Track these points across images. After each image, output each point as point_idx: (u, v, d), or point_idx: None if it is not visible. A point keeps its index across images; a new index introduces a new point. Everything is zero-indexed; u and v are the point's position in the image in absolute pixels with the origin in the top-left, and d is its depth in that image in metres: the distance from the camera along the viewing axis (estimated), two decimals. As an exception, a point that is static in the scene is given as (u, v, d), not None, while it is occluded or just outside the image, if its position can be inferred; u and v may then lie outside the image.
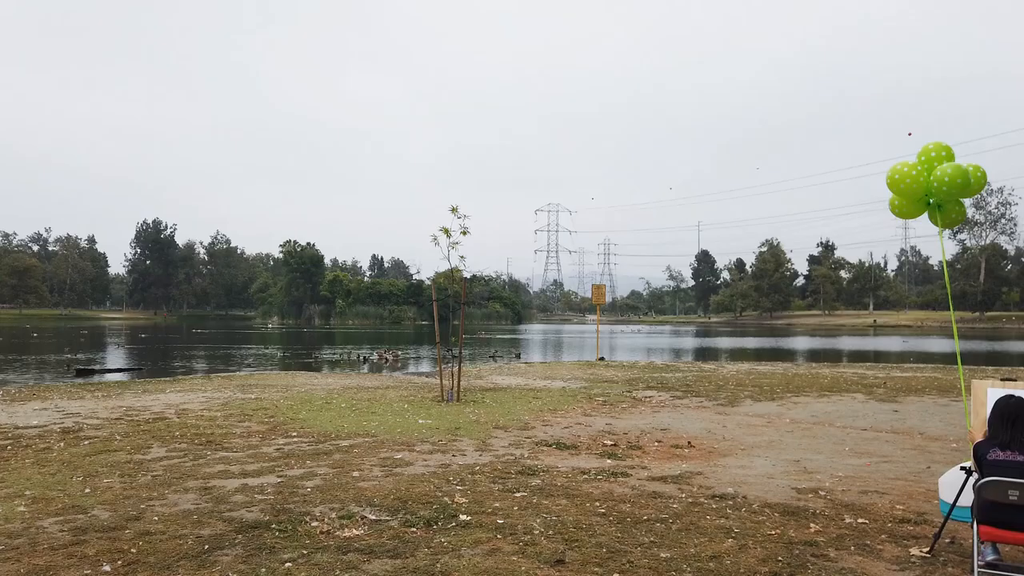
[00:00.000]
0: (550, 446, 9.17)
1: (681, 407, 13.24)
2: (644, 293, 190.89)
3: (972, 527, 4.67)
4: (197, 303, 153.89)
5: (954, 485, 5.33)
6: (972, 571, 4.58)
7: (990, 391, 5.03)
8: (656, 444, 9.42)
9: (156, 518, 5.68)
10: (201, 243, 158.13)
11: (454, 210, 13.69)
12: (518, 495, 6.59)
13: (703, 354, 38.50)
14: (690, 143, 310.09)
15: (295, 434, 9.88)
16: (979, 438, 4.84)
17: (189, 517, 5.73)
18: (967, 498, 4.96)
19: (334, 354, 36.84)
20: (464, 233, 13.59)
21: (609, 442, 9.49)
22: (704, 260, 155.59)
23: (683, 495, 6.64)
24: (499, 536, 5.35)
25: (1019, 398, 4.68)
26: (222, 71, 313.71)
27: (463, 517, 5.82)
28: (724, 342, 54.04)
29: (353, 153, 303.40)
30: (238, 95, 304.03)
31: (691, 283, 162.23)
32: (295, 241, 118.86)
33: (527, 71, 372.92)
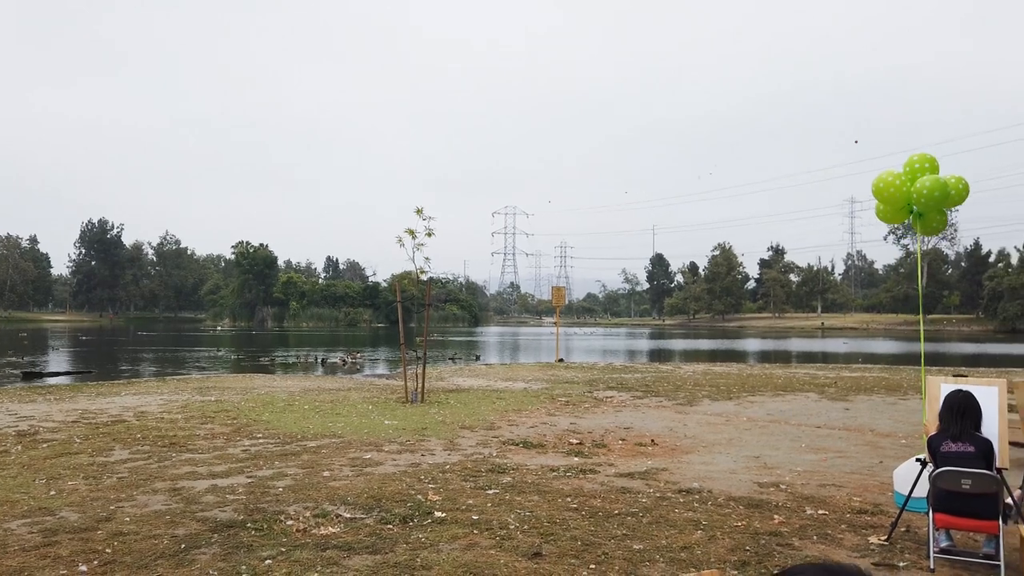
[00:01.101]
0: (517, 445, 9.29)
1: (642, 407, 13.49)
2: (600, 296, 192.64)
3: (927, 516, 4.95)
4: (145, 305, 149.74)
5: (908, 477, 5.61)
6: (928, 557, 4.85)
7: (943, 386, 5.31)
8: (620, 442, 9.62)
9: (127, 519, 5.62)
10: (149, 243, 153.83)
11: (419, 212, 13.73)
12: (491, 492, 6.68)
13: (659, 355, 39.10)
14: (646, 147, 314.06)
15: (260, 435, 9.80)
16: (933, 431, 5.11)
17: (162, 517, 5.68)
18: (920, 489, 5.24)
19: (288, 356, 36.34)
20: (429, 235, 13.65)
21: (575, 441, 9.65)
22: (658, 263, 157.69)
23: (651, 490, 6.82)
24: (475, 531, 5.44)
25: (966, 392, 4.96)
26: (172, 69, 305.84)
27: (438, 514, 5.89)
28: (679, 344, 54.92)
29: (308, 154, 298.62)
30: (188, 93, 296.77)
31: (646, 286, 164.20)
32: (247, 242, 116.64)
33: (485, 73, 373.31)
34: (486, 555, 4.91)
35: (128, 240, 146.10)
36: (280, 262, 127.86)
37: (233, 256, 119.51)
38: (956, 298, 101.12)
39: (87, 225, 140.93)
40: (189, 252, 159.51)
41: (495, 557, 4.86)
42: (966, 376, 5.57)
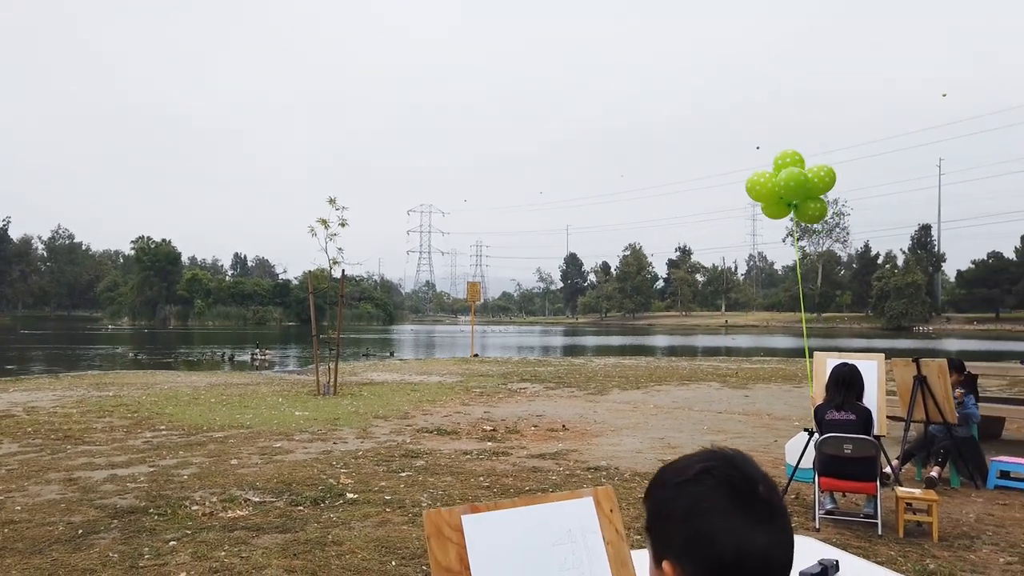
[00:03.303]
0: (431, 432, 9.32)
1: (554, 396, 13.75)
2: (515, 294, 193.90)
3: (814, 482, 5.32)
4: (35, 303, 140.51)
5: (798, 449, 6.02)
6: (814, 518, 5.21)
7: (828, 361, 5.72)
8: (533, 428, 9.80)
9: (18, 508, 5.35)
10: (39, 238, 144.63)
11: (332, 201, 13.53)
12: (403, 475, 6.71)
13: (572, 351, 39.79)
14: (560, 148, 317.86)
15: (163, 428, 9.45)
16: (820, 402, 5.49)
17: (56, 506, 5.43)
18: (808, 460, 5.62)
19: (193, 354, 34.97)
20: (343, 225, 13.47)
21: (488, 427, 9.77)
22: (572, 263, 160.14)
23: (561, 468, 7.01)
24: (388, 510, 5.46)
25: (852, 365, 5.37)
26: (68, 56, 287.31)
27: (350, 495, 5.88)
28: (591, 340, 56.06)
29: (215, 147, 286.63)
30: (86, 82, 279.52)
31: (560, 285, 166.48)
32: (149, 237, 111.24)
33: (400, 69, 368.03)
34: (399, 530, 4.95)
35: (15, 234, 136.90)
36: (184, 259, 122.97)
37: (133, 252, 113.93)
38: (848, 297, 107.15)
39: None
40: (84, 247, 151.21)
41: (408, 532, 4.91)
42: (849, 352, 6.02)
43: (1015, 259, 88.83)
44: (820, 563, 2.11)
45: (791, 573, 2.22)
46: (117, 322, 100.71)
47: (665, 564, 1.00)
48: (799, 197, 7.05)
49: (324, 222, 13.48)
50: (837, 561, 2.18)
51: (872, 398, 5.49)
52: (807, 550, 2.37)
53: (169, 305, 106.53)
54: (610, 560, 1.60)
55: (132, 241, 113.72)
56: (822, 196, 7.05)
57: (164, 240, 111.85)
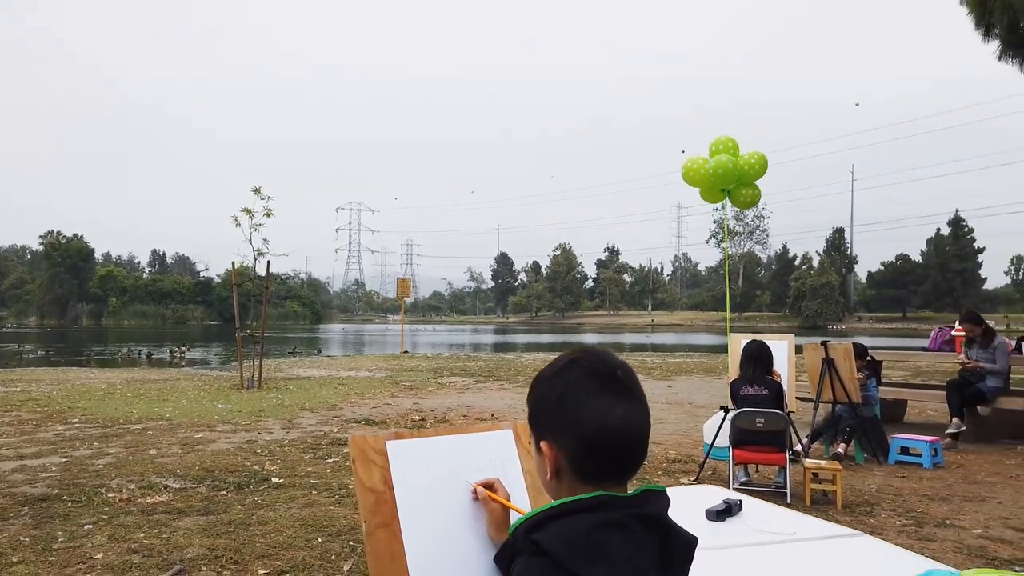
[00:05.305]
0: (359, 423, 9.28)
1: (484, 389, 13.85)
2: (446, 294, 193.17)
3: (728, 459, 5.58)
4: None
5: (715, 428, 6.29)
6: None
7: (742, 341, 6.00)
8: (462, 418, 9.86)
9: (-82, 498, 5.08)
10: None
11: (257, 191, 13.23)
12: (330, 461, 6.68)
13: (502, 347, 39.99)
14: (489, 148, 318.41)
15: (76, 421, 9.09)
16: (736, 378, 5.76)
17: (-40, 495, 5.19)
18: (723, 439, 5.88)
19: (107, 353, 33.49)
20: (268, 215, 13.18)
21: (417, 417, 9.78)
22: (503, 262, 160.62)
23: (489, 453, 7.10)
24: (314, 492, 5.44)
25: (760, 341, 5.66)
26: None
27: (275, 480, 5.83)
28: (521, 338, 56.45)
29: (132, 138, 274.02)
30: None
31: (491, 284, 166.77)
32: (59, 232, 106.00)
33: (327, 70, 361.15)
34: (325, 510, 4.94)
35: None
36: (98, 255, 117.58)
37: (41, 247, 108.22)
38: (767, 297, 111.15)
39: None
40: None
41: (335, 511, 4.91)
42: (763, 335, 6.33)
43: (921, 261, 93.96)
44: (725, 501, 2.27)
45: (700, 511, 2.37)
46: (23, 321, 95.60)
47: (543, 444, 1.16)
48: (730, 183, 7.34)
49: (249, 212, 13.17)
50: (740, 501, 2.34)
51: (783, 374, 5.79)
52: (715, 494, 2.54)
53: (81, 303, 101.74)
54: (528, 488, 1.69)
55: (40, 236, 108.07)
56: (756, 182, 7.35)
57: (76, 235, 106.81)
